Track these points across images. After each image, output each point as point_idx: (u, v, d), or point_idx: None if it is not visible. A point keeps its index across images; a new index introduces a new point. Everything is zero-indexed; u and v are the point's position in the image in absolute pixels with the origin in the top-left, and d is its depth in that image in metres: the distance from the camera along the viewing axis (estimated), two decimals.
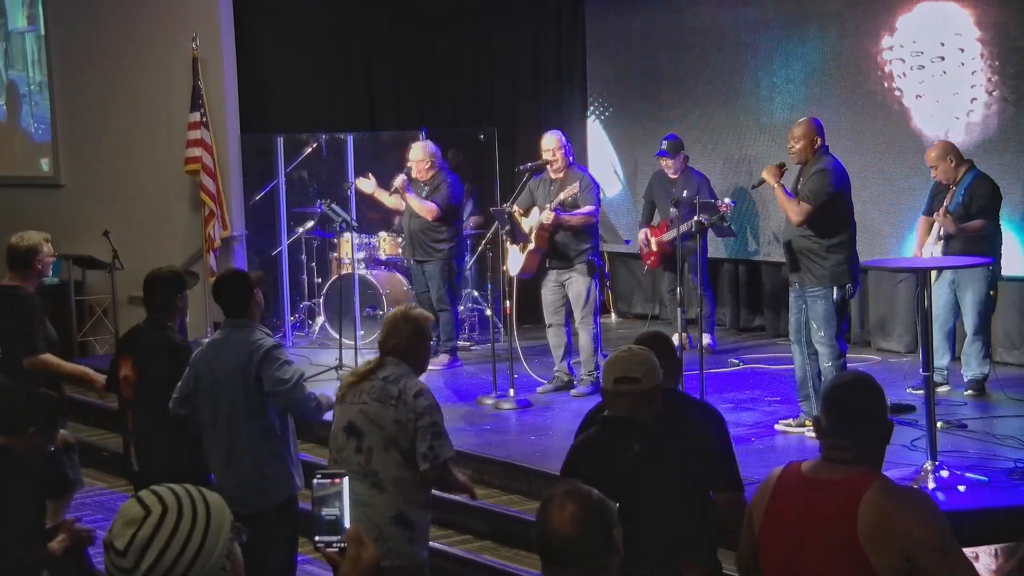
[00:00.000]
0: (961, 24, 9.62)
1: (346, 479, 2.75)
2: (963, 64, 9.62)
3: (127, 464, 6.13)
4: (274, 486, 5.49)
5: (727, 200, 9.89)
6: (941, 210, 8.36)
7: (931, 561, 3.35)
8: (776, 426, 7.85)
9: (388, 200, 10.26)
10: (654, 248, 10.51)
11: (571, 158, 9.20)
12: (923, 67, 9.85)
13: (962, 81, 9.63)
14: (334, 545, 2.73)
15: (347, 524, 2.73)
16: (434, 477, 5.00)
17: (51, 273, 7.86)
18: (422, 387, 5.03)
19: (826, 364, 7.50)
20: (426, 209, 9.85)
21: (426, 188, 9.99)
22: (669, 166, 10.42)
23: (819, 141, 7.54)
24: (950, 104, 9.71)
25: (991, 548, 5.91)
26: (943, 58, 9.73)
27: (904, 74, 9.99)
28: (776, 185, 7.58)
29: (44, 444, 5.03)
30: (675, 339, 9.55)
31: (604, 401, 4.38)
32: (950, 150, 8.55)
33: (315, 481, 2.76)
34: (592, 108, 12.53)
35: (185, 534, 2.27)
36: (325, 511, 2.73)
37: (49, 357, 6.86)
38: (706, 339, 9.63)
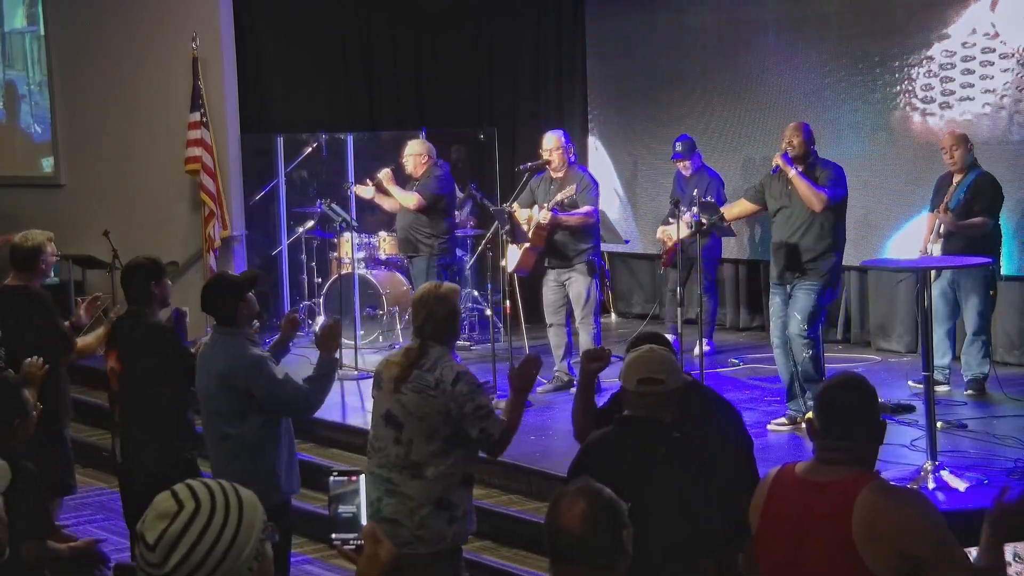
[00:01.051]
0: (959, 23, 9.63)
1: (363, 477, 2.75)
2: (960, 64, 9.62)
3: (114, 457, 6.13)
4: (260, 493, 5.43)
5: (696, 192, 9.89)
6: (941, 206, 8.37)
7: (928, 557, 3.35)
8: (768, 426, 7.84)
9: (387, 202, 10.20)
10: (667, 247, 10.47)
11: (572, 158, 9.18)
12: (920, 66, 9.85)
13: (961, 80, 9.63)
14: (351, 543, 2.72)
15: (364, 522, 2.72)
16: (498, 451, 5.04)
17: (52, 273, 7.84)
18: (459, 370, 4.96)
19: (803, 355, 7.58)
20: (408, 198, 9.78)
21: (417, 183, 9.96)
22: (687, 167, 10.41)
23: (813, 142, 7.75)
24: (949, 103, 9.71)
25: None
26: (932, 58, 9.74)
27: (903, 72, 9.99)
28: (793, 173, 7.57)
29: (29, 428, 5.00)
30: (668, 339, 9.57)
31: (624, 401, 4.34)
32: (966, 139, 8.56)
33: (331, 479, 2.75)
34: (592, 108, 12.52)
35: (216, 532, 2.26)
36: (342, 509, 2.73)
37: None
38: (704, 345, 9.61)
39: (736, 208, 8.32)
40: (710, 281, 10.19)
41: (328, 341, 5.58)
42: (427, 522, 4.87)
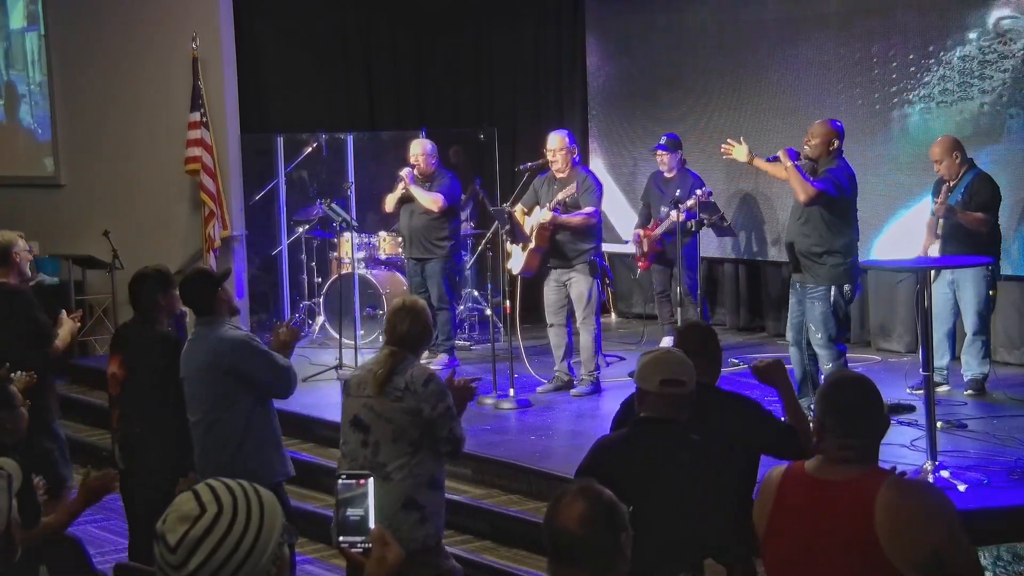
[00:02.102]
0: (959, 23, 9.62)
1: (371, 480, 2.75)
2: (959, 64, 9.62)
3: (114, 460, 6.15)
4: (247, 478, 5.45)
5: (703, 191, 9.87)
6: (940, 199, 8.36)
7: (947, 549, 3.40)
8: None
9: (390, 204, 10.13)
10: (645, 249, 10.47)
11: (576, 158, 9.18)
12: (920, 66, 9.86)
13: (960, 80, 9.63)
14: (358, 546, 2.72)
15: (372, 525, 2.72)
16: (456, 455, 5.17)
17: (31, 270, 7.85)
18: (429, 373, 5.10)
19: (827, 366, 7.55)
20: (431, 199, 9.73)
21: (427, 184, 9.95)
22: (664, 162, 10.38)
23: (836, 144, 7.67)
24: (948, 103, 9.71)
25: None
26: (932, 58, 9.74)
27: (903, 72, 9.99)
28: (790, 164, 7.58)
29: (19, 423, 4.99)
30: (666, 342, 9.57)
31: (643, 401, 4.33)
32: (956, 146, 8.53)
33: (340, 482, 2.75)
34: (592, 108, 12.52)
35: (237, 536, 2.26)
36: (350, 511, 2.73)
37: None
38: None
39: None
40: (692, 280, 10.15)
41: (286, 345, 5.79)
42: (395, 523, 4.90)
